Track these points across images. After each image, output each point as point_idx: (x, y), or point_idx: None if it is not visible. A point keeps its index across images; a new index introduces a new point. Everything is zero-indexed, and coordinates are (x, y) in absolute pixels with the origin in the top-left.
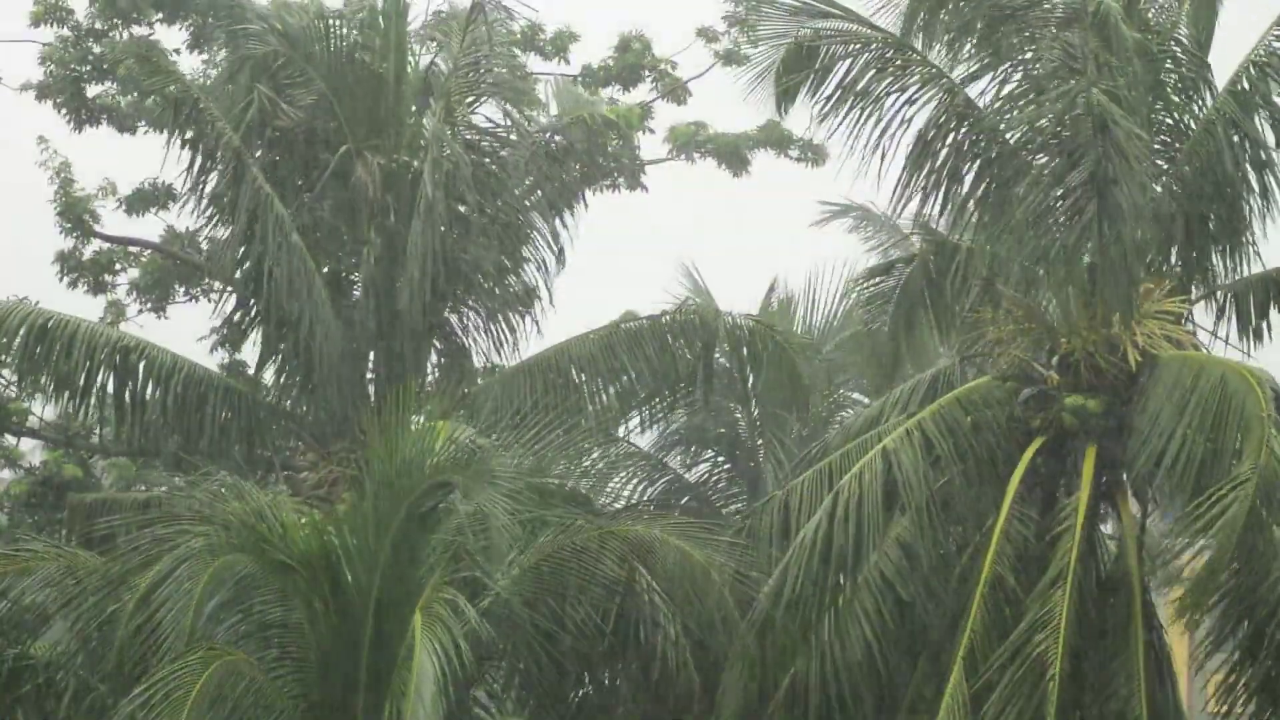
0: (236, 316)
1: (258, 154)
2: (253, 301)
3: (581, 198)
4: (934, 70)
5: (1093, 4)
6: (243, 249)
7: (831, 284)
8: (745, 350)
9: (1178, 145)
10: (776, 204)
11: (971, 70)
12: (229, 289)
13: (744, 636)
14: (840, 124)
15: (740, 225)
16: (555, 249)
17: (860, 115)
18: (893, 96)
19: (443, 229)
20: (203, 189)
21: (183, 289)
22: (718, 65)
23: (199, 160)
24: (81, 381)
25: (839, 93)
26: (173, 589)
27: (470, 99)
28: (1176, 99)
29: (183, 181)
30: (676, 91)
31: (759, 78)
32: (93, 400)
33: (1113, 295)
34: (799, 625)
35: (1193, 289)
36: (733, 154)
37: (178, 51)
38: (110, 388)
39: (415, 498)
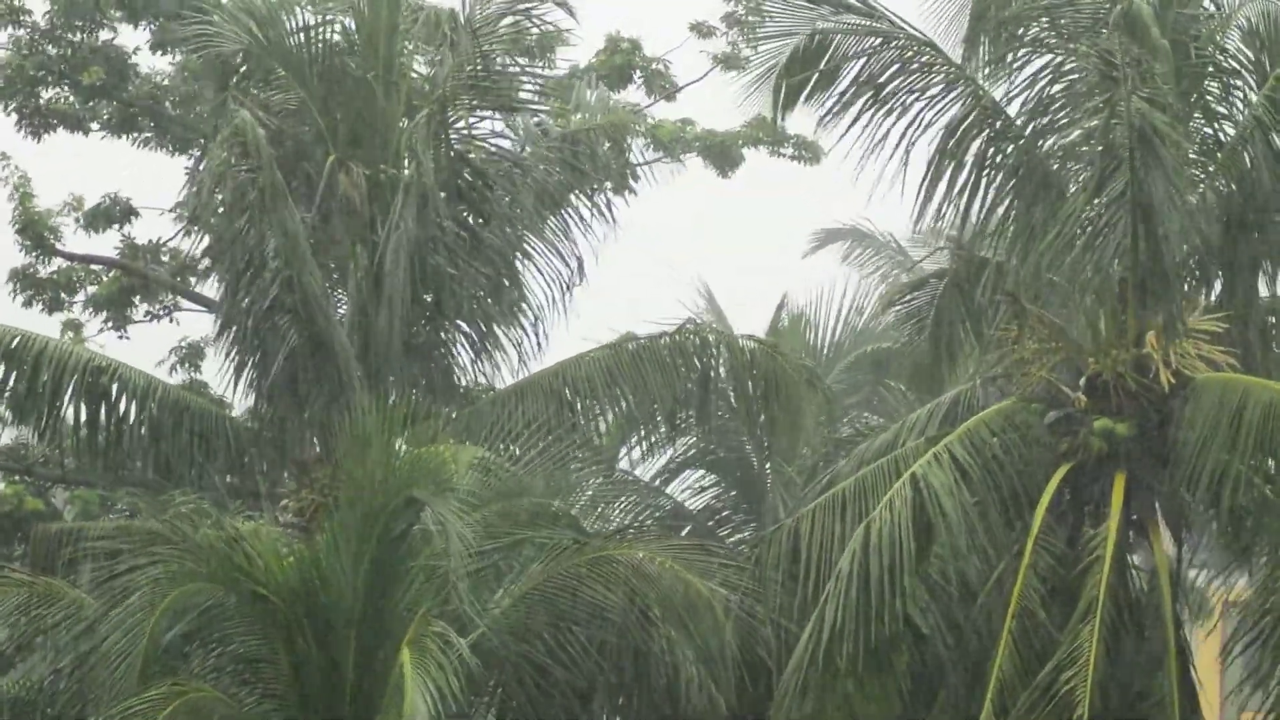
0: (236, 346)
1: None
2: (256, 331)
3: (606, 205)
4: (959, 72)
5: (1123, 4)
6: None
7: (842, 300)
8: (751, 374)
9: (1218, 155)
10: (769, 203)
11: (1009, 73)
12: (226, 317)
13: (790, 678)
14: (852, 126)
15: (734, 227)
16: (575, 261)
17: (876, 116)
18: (913, 97)
19: (430, 243)
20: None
21: (143, 306)
22: (715, 69)
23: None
24: (50, 406)
25: (852, 91)
26: (123, 618)
27: (465, 107)
28: (1220, 109)
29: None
30: (668, 92)
31: (761, 78)
32: (65, 423)
33: (1148, 313)
34: (844, 661)
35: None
36: (721, 154)
37: (137, 49)
38: (82, 411)
39: (385, 517)
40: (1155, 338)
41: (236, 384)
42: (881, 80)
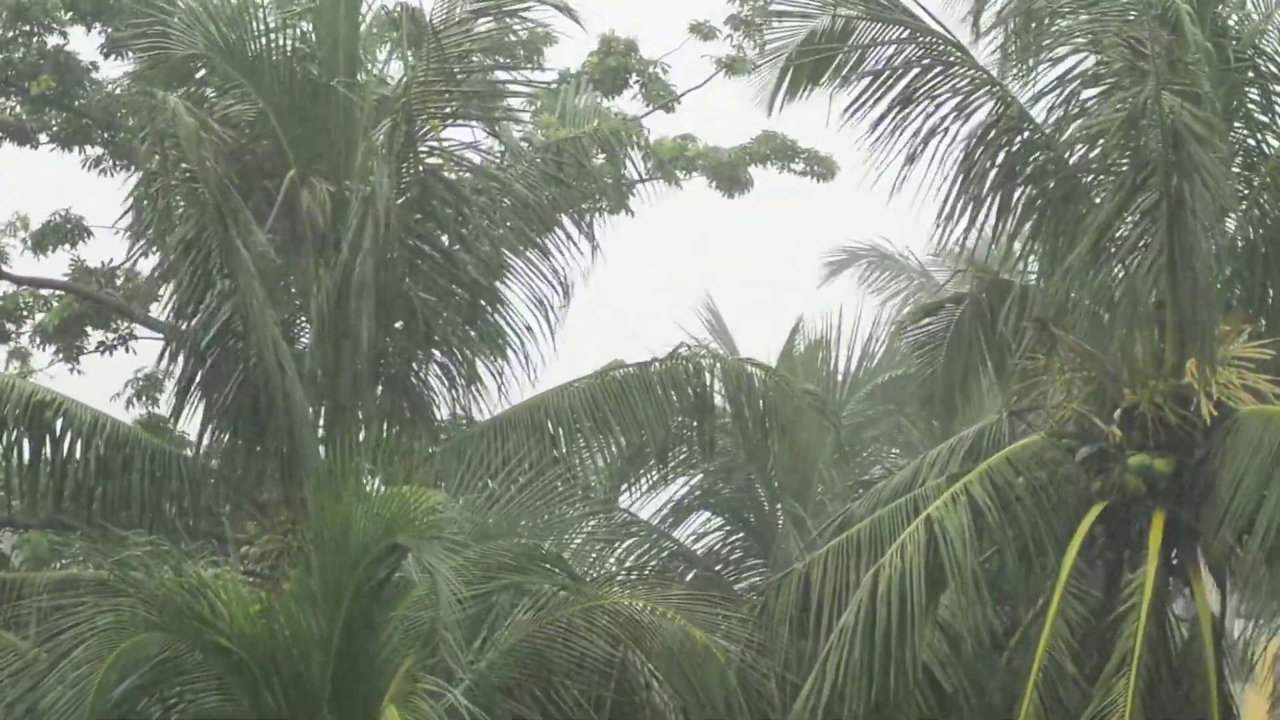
0: (182, 374)
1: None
2: (203, 357)
3: (589, 225)
4: (985, 75)
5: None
6: (189, 299)
7: (859, 324)
8: (749, 402)
9: (1262, 168)
10: (777, 215)
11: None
12: (171, 341)
13: None
14: (864, 121)
15: (740, 242)
16: (562, 284)
17: (896, 118)
18: (937, 100)
19: (402, 265)
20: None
21: (96, 336)
22: (717, 75)
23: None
24: None
25: (872, 87)
26: (68, 670)
27: (435, 115)
28: (1262, 117)
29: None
30: (666, 101)
31: (773, 55)
32: (9, 463)
33: (1186, 339)
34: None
35: None
36: (727, 176)
37: (94, 65)
38: (24, 449)
39: (366, 565)
40: (1195, 366)
41: (178, 415)
42: (904, 78)
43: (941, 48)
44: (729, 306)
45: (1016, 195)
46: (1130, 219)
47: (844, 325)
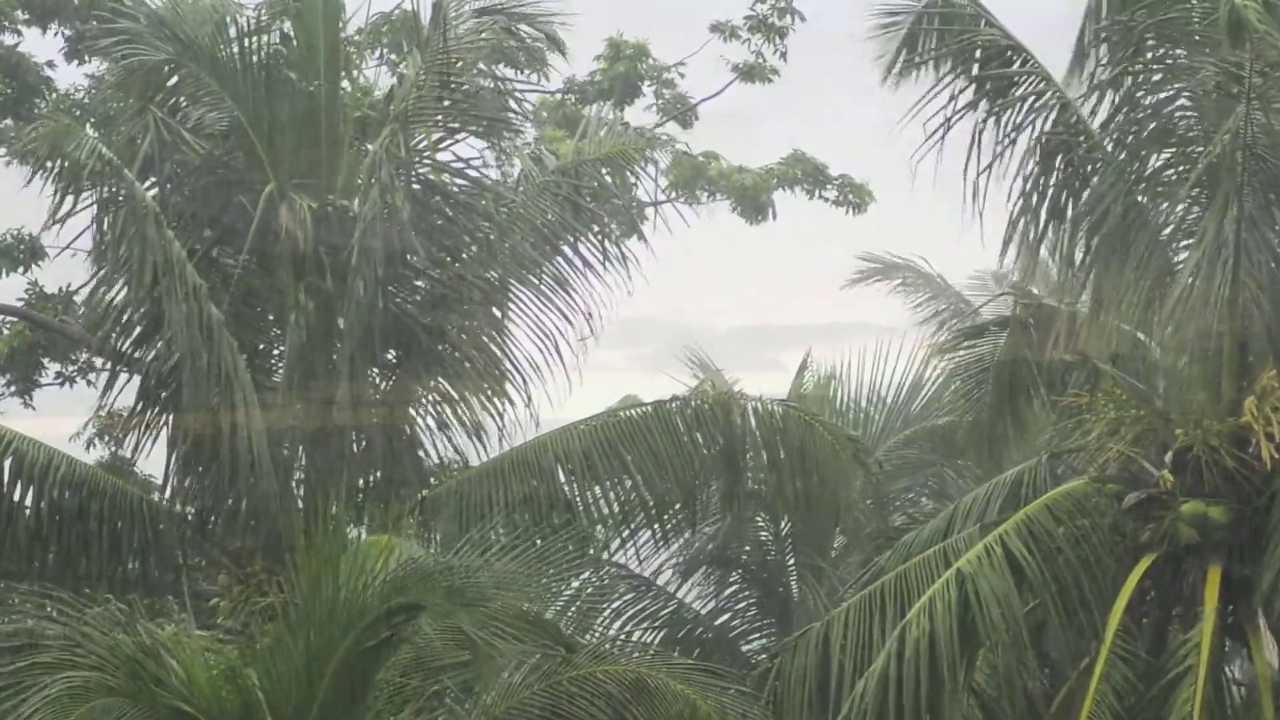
0: (138, 406)
1: (152, 192)
2: (155, 390)
3: (618, 250)
4: (1047, 84)
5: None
6: (142, 327)
7: (886, 359)
8: (779, 443)
9: None
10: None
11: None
12: (116, 367)
13: None
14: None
15: (756, 276)
16: (585, 315)
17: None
18: (1009, 110)
19: (396, 289)
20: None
21: (53, 367)
22: (734, 81)
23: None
24: None
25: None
26: None
27: (436, 125)
28: None
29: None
30: (681, 111)
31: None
32: None
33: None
34: None
35: None
36: (751, 199)
37: (51, 64)
38: None
39: (364, 627)
40: (1255, 405)
41: (135, 451)
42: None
43: (1008, 51)
44: (733, 344)
45: (1075, 215)
46: (1197, 243)
47: (869, 370)
